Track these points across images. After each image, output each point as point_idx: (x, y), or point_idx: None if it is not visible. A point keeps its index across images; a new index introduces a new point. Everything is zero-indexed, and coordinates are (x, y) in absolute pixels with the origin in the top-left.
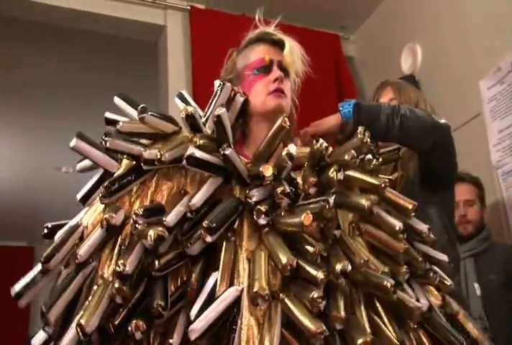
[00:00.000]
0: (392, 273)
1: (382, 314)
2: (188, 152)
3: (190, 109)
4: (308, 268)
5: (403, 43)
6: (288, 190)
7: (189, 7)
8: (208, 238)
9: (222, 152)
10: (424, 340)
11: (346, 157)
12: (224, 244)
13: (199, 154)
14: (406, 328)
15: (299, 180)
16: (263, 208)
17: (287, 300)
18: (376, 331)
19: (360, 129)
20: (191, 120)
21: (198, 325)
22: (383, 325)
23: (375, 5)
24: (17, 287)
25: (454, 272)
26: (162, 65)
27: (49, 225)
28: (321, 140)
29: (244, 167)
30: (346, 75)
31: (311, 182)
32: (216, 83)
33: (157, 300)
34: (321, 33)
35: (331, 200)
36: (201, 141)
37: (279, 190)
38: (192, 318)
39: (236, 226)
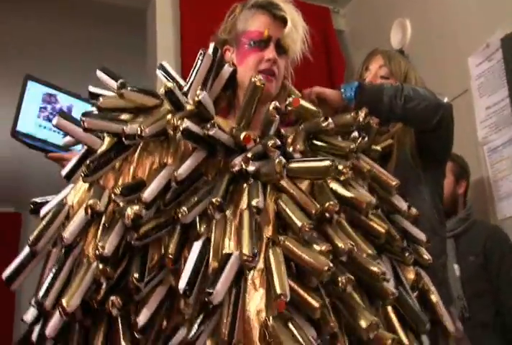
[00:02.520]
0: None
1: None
2: (184, 125)
3: (169, 85)
4: (294, 218)
5: (393, 18)
6: (278, 142)
7: None
8: (217, 215)
9: (207, 133)
10: (392, 315)
11: (343, 145)
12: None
13: (194, 128)
14: (376, 304)
15: (290, 139)
16: (249, 155)
17: (287, 242)
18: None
19: (363, 111)
20: (171, 96)
21: (220, 290)
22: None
23: None
24: (7, 271)
25: (441, 253)
26: (150, 33)
27: (37, 200)
28: (330, 119)
29: (230, 136)
30: (336, 49)
31: (298, 149)
32: (211, 46)
33: (133, 273)
34: (311, 5)
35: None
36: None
37: (270, 143)
38: (181, 288)
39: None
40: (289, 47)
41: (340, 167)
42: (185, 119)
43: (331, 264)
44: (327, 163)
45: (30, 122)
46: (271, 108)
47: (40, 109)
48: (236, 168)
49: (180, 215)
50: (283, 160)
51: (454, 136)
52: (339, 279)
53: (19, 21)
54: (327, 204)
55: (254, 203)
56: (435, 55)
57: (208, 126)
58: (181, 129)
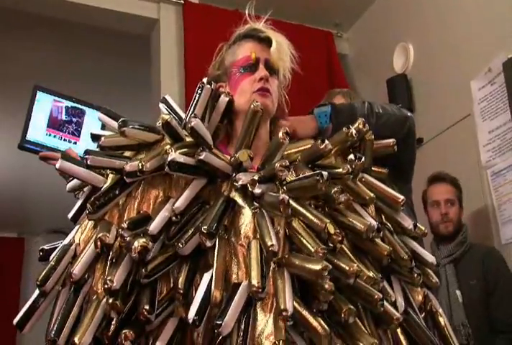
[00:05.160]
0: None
1: (362, 313)
2: (170, 158)
3: (166, 117)
4: (307, 243)
5: (395, 42)
6: (287, 163)
7: (182, 1)
8: (208, 243)
9: (197, 158)
10: (401, 338)
11: (341, 170)
12: (217, 241)
13: (181, 158)
14: (384, 325)
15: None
16: (256, 177)
17: (290, 258)
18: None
19: (359, 121)
20: (168, 128)
21: (229, 321)
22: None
23: (369, 3)
24: (18, 315)
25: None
26: (154, 58)
27: (45, 247)
28: (326, 141)
29: (226, 162)
30: (339, 73)
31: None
32: (204, 80)
33: (143, 305)
34: (314, 30)
35: (325, 172)
36: (178, 151)
37: (278, 163)
38: (190, 318)
39: (227, 222)
40: (278, 66)
41: (333, 191)
42: (172, 152)
43: (330, 266)
44: (315, 178)
45: (40, 131)
46: (281, 133)
47: (50, 118)
48: (241, 183)
49: (177, 249)
50: (286, 198)
51: (458, 160)
52: (342, 309)
53: (18, 48)
54: (332, 232)
55: (269, 246)
56: (437, 79)
57: (199, 151)
58: (167, 162)
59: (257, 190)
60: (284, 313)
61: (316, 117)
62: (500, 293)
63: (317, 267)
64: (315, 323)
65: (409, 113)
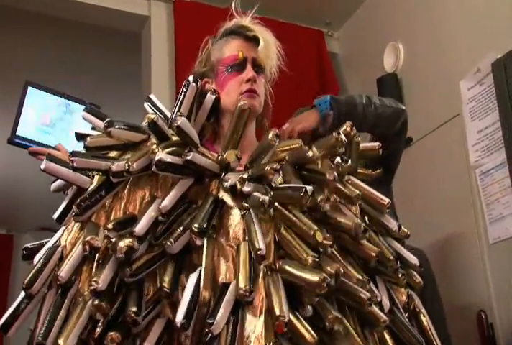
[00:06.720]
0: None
1: (347, 312)
2: (157, 158)
3: (152, 116)
4: (299, 251)
5: (386, 41)
6: (278, 166)
7: None
8: (198, 242)
9: (184, 158)
10: (387, 337)
11: (328, 176)
12: (206, 241)
13: (168, 158)
14: (370, 326)
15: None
16: (245, 176)
17: (283, 265)
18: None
19: (347, 124)
20: (154, 127)
21: (221, 320)
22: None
23: (360, 2)
24: (3, 318)
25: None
26: (145, 56)
27: (29, 246)
28: (314, 149)
29: (214, 162)
30: (329, 72)
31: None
32: (190, 77)
33: (130, 307)
34: (305, 29)
35: (309, 187)
36: (165, 151)
37: (269, 166)
38: (178, 321)
39: (215, 222)
40: (265, 65)
41: (319, 198)
42: (159, 152)
43: (328, 278)
44: (299, 194)
45: (31, 127)
46: (271, 135)
47: (41, 114)
48: (230, 183)
49: (166, 247)
50: (267, 199)
51: (447, 159)
52: (328, 317)
53: (13, 45)
54: (320, 240)
55: (257, 249)
56: (427, 79)
57: (186, 151)
58: (154, 161)
59: (246, 189)
60: (281, 319)
61: (316, 106)
62: (433, 307)
63: (315, 278)
64: (302, 330)
65: (404, 107)
